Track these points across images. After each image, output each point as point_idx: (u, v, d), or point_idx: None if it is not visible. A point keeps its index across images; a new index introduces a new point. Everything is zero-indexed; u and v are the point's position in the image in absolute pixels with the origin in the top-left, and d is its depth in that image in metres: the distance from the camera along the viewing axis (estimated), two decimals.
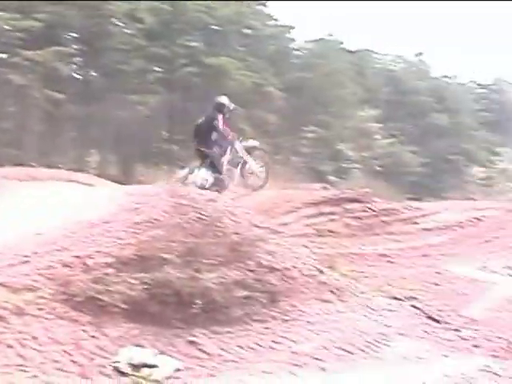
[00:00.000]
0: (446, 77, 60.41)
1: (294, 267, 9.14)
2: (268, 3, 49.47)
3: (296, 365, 7.39)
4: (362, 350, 8.04)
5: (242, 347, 7.60)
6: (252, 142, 17.30)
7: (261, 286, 8.42)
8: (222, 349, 7.48)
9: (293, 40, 51.98)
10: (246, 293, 8.22)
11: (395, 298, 10.17)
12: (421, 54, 59.77)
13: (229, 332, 7.85)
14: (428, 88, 56.37)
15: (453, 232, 16.55)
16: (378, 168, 48.66)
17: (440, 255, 14.20)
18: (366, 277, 11.31)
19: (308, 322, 8.47)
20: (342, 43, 54.37)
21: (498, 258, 13.95)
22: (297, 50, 52.12)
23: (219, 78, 41.46)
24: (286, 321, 8.36)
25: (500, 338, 9.13)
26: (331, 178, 42.65)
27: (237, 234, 8.98)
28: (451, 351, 8.51)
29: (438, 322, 9.63)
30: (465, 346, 8.79)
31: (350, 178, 42.92)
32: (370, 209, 17.18)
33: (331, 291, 9.34)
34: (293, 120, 46.44)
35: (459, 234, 16.46)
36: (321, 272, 9.55)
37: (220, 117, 16.36)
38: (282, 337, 7.96)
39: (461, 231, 16.67)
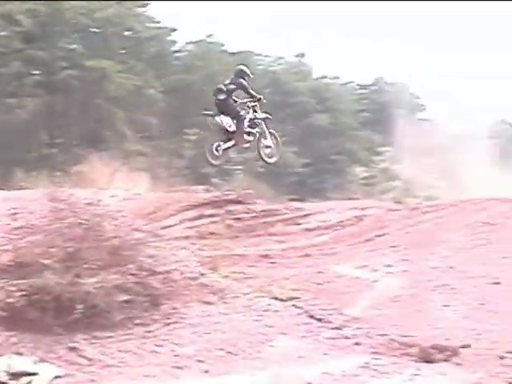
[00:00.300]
0: (327, 77, 61.14)
1: (176, 270, 9.14)
2: (151, 4, 49.09)
3: (178, 367, 7.40)
4: (244, 351, 8.10)
5: (123, 352, 7.56)
6: (264, 114, 18.09)
7: (142, 290, 8.39)
8: (104, 354, 7.43)
9: (175, 42, 51.73)
10: (127, 297, 8.19)
11: (277, 299, 10.24)
12: (302, 55, 60.35)
13: (110, 337, 7.80)
14: (309, 89, 56.93)
15: (334, 232, 16.71)
16: (261, 169, 48.90)
17: (322, 255, 14.32)
18: (248, 278, 11.34)
19: (190, 324, 8.49)
20: (223, 45, 54.45)
21: (379, 256, 14.15)
22: (178, 51, 51.92)
23: (99, 81, 40.97)
24: (168, 324, 8.36)
25: (381, 335, 9.34)
26: (214, 180, 42.64)
27: (117, 238, 8.91)
28: (332, 349, 8.67)
29: (319, 320, 9.77)
30: (346, 343, 8.96)
31: (232, 180, 42.99)
32: (251, 210, 17.26)
33: (213, 293, 9.38)
34: (175, 122, 46.24)
35: (341, 233, 16.62)
36: (202, 274, 9.59)
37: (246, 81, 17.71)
38: (164, 340, 7.95)
39: (342, 231, 16.83)
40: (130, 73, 43.53)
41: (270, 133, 18.06)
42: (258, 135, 17.66)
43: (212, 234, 15.58)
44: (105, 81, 41.36)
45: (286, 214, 17.72)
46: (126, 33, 46.82)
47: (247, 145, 17.88)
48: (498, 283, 12.75)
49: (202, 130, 46.45)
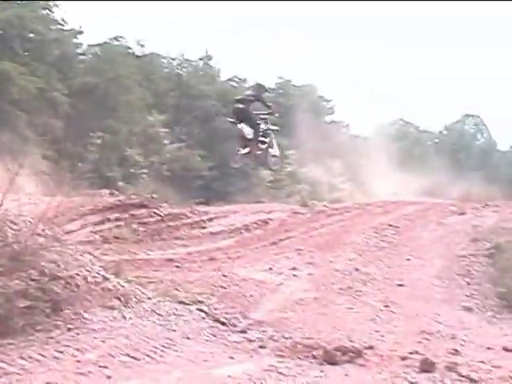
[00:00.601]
0: (233, 80, 61.30)
1: (78, 275, 9.03)
2: (58, 5, 48.40)
3: (81, 374, 7.29)
4: (149, 356, 8.05)
5: (24, 358, 7.41)
6: (274, 127, 19.56)
7: (43, 295, 8.26)
8: (4, 361, 7.27)
9: (80, 44, 51.21)
10: (28, 302, 8.05)
11: (182, 303, 10.23)
12: (208, 57, 60.40)
13: (11, 343, 7.65)
14: (215, 92, 57.04)
15: (240, 235, 16.80)
16: (167, 173, 48.74)
17: (227, 258, 14.35)
18: (153, 282, 11.29)
19: (93, 329, 8.39)
20: (129, 48, 54.10)
21: (284, 259, 14.26)
22: (83, 54, 51.38)
23: (2, 83, 40.26)
24: (70, 329, 8.25)
25: (286, 337, 9.41)
26: (119, 183, 42.31)
27: (18, 243, 8.74)
28: (238, 353, 8.69)
29: (224, 324, 9.80)
30: (251, 347, 9.00)
31: (138, 184, 42.65)
32: (156, 214, 17.23)
33: (116, 297, 9.30)
34: (79, 126, 45.70)
35: (246, 236, 16.72)
36: (106, 279, 9.49)
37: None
38: (66, 346, 7.83)
39: (247, 234, 16.94)
40: (33, 75, 42.88)
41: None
42: (267, 144, 19.02)
43: (116, 238, 15.48)
44: (7, 83, 40.61)
45: (191, 217, 17.74)
46: (29, 35, 46.09)
47: (259, 152, 19.04)
48: (401, 285, 13.02)
49: (106, 133, 46.28)
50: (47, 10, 48.53)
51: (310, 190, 49.22)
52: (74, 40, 50.41)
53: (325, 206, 21.31)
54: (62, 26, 49.15)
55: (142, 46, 54.38)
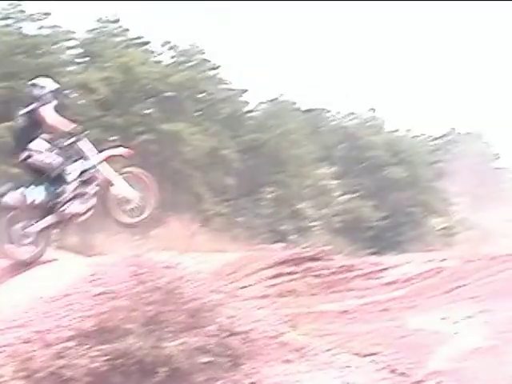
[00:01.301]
0: (399, 130, 61.30)
1: (255, 329, 9.19)
2: (221, 67, 49.95)
3: None
4: None
5: None
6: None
7: (222, 350, 8.46)
8: None
9: (247, 102, 52.46)
10: (207, 358, 8.27)
11: (358, 354, 10.22)
12: (373, 109, 60.63)
13: None
14: (383, 142, 57.04)
15: (413, 284, 16.59)
16: (338, 224, 48.87)
17: (401, 308, 14.21)
18: (328, 334, 11.33)
19: (271, 383, 8.51)
20: (294, 103, 55.01)
21: (459, 307, 13.99)
22: (251, 111, 52.57)
23: (175, 144, 41.68)
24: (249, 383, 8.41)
25: None
26: (291, 237, 42.73)
27: (196, 300, 9.02)
28: None
29: (401, 375, 9.71)
30: None
31: (310, 237, 42.97)
32: (329, 266, 17.27)
33: (293, 351, 9.39)
34: (251, 181, 46.64)
35: (419, 286, 16.49)
36: (282, 333, 9.61)
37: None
38: None
39: (421, 283, 16.70)
40: (204, 134, 44.16)
41: None
42: None
43: (291, 291, 15.61)
44: (180, 143, 42.01)
45: (363, 268, 17.66)
46: (199, 95, 47.59)
47: None
48: None
49: (277, 187, 46.98)
50: (214, 71, 50.05)
51: (481, 237, 48.12)
52: (240, 98, 51.65)
53: (498, 252, 20.73)
54: (229, 85, 50.56)
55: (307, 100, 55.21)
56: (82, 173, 11.20)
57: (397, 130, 60.98)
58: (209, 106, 47.86)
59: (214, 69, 49.77)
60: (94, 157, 11.42)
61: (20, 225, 10.83)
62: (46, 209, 10.91)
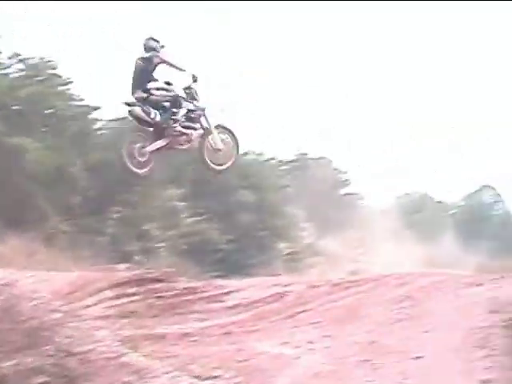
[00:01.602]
0: (249, 154, 61.74)
1: (94, 350, 9.05)
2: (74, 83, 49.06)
3: None
4: None
5: None
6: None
7: (59, 371, 8.28)
8: None
9: (97, 120, 51.70)
10: (44, 379, 8.08)
11: (198, 377, 10.22)
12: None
13: None
14: (232, 165, 57.35)
15: (256, 308, 16.74)
16: (185, 246, 48.80)
17: (243, 332, 14.31)
18: (169, 357, 11.29)
19: None
20: None
21: (301, 332, 14.21)
22: (100, 129, 51.87)
23: (20, 159, 40.69)
24: None
25: None
26: (137, 257, 42.37)
27: (34, 319, 8.81)
28: None
29: None
30: None
31: (156, 258, 42.75)
32: (173, 288, 17.23)
33: (132, 373, 9.30)
34: (98, 200, 45.98)
35: (262, 310, 16.64)
36: (122, 354, 9.51)
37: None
38: None
39: (264, 307, 16.86)
40: (51, 150, 43.33)
41: None
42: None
43: (132, 312, 15.46)
44: (25, 159, 41.07)
45: (207, 291, 17.70)
46: (48, 111, 46.69)
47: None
48: (419, 357, 12.91)
49: (124, 207, 46.54)
50: (65, 86, 49.16)
51: (327, 263, 49.19)
52: (90, 116, 50.89)
53: (342, 278, 21.23)
54: (80, 101, 49.76)
55: None
56: (192, 111, 14.73)
57: (246, 154, 61.49)
58: (57, 122, 46.96)
59: (64, 84, 48.91)
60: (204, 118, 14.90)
61: (139, 144, 14.68)
62: (160, 130, 14.40)
